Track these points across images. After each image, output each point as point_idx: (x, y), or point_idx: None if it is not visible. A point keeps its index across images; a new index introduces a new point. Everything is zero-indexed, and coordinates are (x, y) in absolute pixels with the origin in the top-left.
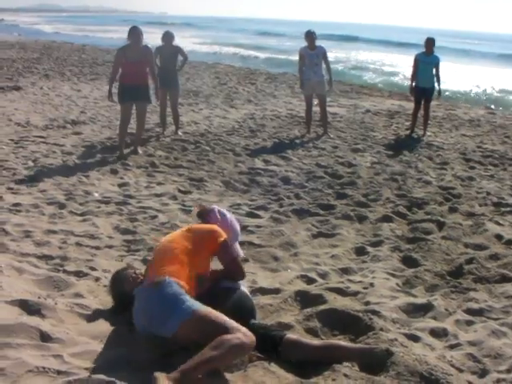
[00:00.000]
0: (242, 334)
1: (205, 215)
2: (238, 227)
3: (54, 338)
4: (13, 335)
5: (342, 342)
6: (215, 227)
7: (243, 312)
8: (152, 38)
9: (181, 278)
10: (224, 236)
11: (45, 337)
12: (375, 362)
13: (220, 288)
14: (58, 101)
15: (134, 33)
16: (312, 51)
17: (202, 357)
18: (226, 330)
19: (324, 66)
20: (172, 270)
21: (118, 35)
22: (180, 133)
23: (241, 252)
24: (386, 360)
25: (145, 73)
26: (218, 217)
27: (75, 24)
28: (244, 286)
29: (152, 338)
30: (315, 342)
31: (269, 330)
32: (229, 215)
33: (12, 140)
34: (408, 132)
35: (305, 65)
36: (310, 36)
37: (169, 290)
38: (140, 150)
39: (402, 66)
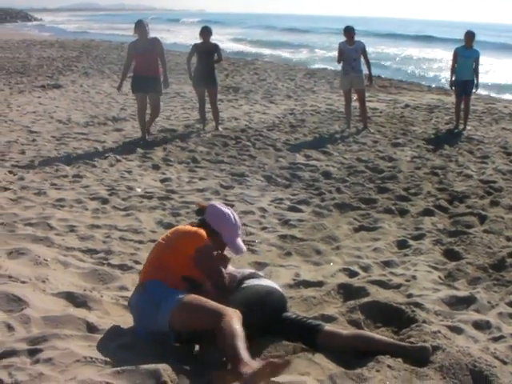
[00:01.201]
0: (232, 313)
1: (202, 213)
2: (235, 223)
3: (101, 329)
4: (60, 326)
5: (376, 334)
6: (195, 232)
7: (270, 308)
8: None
9: (164, 277)
10: (202, 242)
11: (91, 328)
12: (414, 358)
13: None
14: (98, 98)
15: (140, 26)
16: (351, 46)
17: (230, 350)
18: (214, 312)
19: (363, 61)
20: (155, 272)
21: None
22: (220, 129)
23: (243, 247)
24: (427, 356)
25: (155, 64)
26: (212, 216)
27: (110, 22)
28: (265, 279)
29: (154, 337)
30: (348, 332)
31: (304, 322)
32: (225, 211)
33: (54, 137)
34: (448, 126)
35: (343, 60)
36: (349, 32)
37: (153, 288)
38: (147, 136)
39: (439, 60)
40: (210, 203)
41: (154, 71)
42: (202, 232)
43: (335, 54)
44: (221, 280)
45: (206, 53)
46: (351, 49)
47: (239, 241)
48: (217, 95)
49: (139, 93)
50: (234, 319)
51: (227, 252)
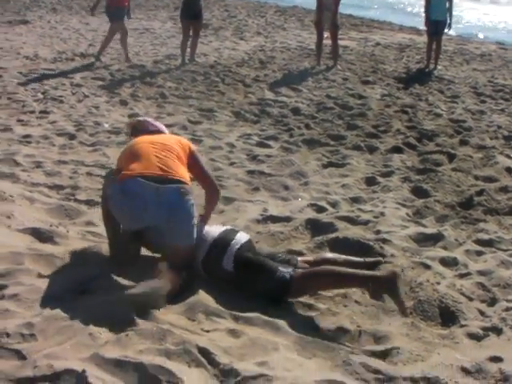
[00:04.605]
0: None
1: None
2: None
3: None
4: (26, 262)
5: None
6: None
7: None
8: None
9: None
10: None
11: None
12: (385, 285)
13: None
14: (66, 34)
15: None
16: None
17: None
18: None
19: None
20: (186, 174)
21: None
22: (197, 59)
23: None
24: (396, 281)
25: None
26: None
27: None
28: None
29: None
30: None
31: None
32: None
33: (21, 73)
34: (419, 65)
35: (320, 5)
36: None
37: (192, 205)
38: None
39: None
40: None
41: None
42: None
43: None
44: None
45: None
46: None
47: None
48: (201, 29)
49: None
50: None
51: None
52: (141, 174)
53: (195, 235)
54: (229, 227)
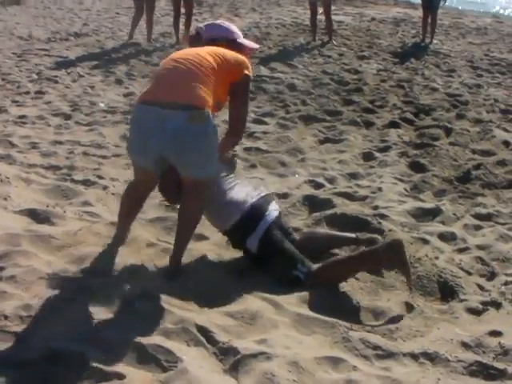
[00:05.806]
0: None
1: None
2: (233, 27)
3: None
4: (23, 244)
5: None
6: (245, 58)
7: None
8: None
9: (210, 106)
10: (250, 70)
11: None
12: (389, 255)
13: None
14: (59, 14)
15: None
16: None
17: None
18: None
19: None
20: (204, 97)
21: None
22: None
23: (254, 45)
24: (401, 248)
25: None
26: (220, 29)
27: None
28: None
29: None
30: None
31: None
32: (220, 22)
33: (15, 53)
34: (415, 40)
35: None
36: None
37: (211, 132)
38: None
39: None
40: (200, 26)
41: None
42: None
43: None
44: (246, 109)
45: None
46: None
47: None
48: (193, 7)
49: None
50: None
51: None
52: (144, 100)
53: (211, 169)
54: (264, 193)
